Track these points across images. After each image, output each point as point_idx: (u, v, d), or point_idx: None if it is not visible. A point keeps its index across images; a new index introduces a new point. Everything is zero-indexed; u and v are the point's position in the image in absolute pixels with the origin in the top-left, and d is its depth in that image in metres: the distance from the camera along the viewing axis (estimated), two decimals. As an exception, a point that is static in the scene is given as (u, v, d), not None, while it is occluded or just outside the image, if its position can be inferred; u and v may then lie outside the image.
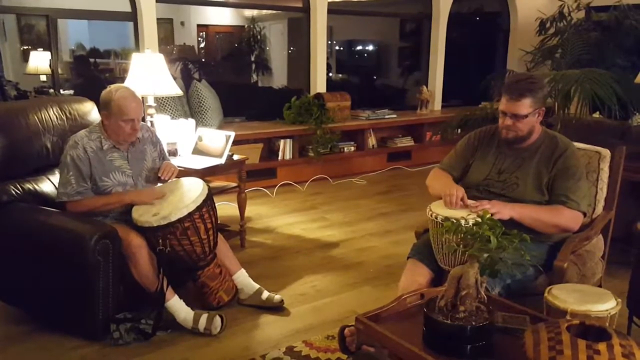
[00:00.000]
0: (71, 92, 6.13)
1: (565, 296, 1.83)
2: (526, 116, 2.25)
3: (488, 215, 1.65)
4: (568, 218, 2.22)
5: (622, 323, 2.33)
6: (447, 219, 2.01)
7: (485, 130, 2.52)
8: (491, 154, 2.42)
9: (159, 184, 2.85)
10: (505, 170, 2.35)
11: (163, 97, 4.54)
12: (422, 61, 7.36)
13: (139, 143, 2.79)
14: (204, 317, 2.60)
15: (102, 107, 2.66)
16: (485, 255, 1.57)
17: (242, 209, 3.72)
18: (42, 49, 6.32)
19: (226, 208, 4.41)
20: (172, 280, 2.61)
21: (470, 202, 2.21)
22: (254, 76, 10.15)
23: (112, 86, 2.68)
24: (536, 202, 2.25)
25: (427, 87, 6.97)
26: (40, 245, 2.54)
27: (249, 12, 10.05)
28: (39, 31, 7.30)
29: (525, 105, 2.23)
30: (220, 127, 4.98)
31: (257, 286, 2.91)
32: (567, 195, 2.21)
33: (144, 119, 3.22)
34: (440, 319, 1.58)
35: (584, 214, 2.27)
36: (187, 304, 2.65)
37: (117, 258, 2.48)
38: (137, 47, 5.01)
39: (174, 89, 3.56)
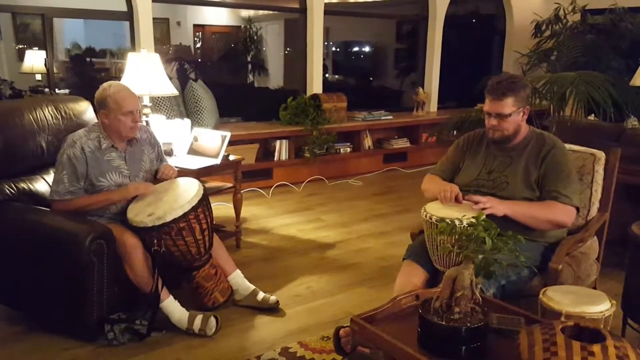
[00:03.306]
0: (67, 91, 6.12)
1: (560, 298, 1.83)
2: (509, 115, 2.29)
3: (483, 217, 1.65)
4: (561, 213, 2.24)
5: (617, 325, 2.34)
6: (441, 220, 2.01)
7: (474, 134, 2.57)
8: (480, 155, 2.46)
9: (155, 185, 2.84)
10: (494, 169, 2.38)
11: (159, 97, 4.52)
12: (418, 63, 7.37)
13: (137, 143, 2.78)
14: (198, 318, 2.59)
15: (98, 106, 2.64)
16: (480, 256, 1.57)
17: (237, 209, 3.71)
18: (37, 48, 6.31)
19: (222, 208, 4.40)
20: (167, 280, 2.60)
21: (466, 201, 2.22)
22: (250, 77, 10.15)
23: (105, 84, 2.67)
24: (527, 199, 2.28)
25: (423, 88, 6.99)
26: (35, 245, 2.53)
27: (246, 13, 10.05)
28: (34, 30, 7.28)
29: (507, 105, 2.27)
30: (216, 128, 4.97)
31: (252, 287, 2.90)
32: (558, 190, 2.24)
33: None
34: (435, 320, 1.57)
35: (577, 209, 2.29)
36: (182, 305, 2.64)
37: (112, 258, 2.47)
38: (133, 46, 5.00)
39: (170, 89, 3.56)
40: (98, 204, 2.63)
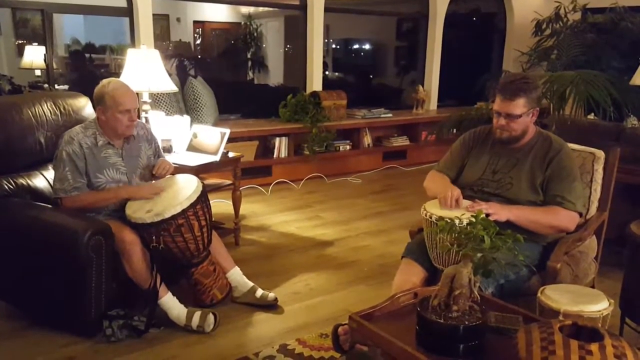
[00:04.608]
0: (66, 87, 6.11)
1: (558, 297, 1.83)
2: (520, 116, 2.26)
3: (482, 215, 1.65)
4: (565, 219, 2.23)
5: (615, 324, 2.35)
6: (441, 218, 2.01)
7: (480, 130, 2.53)
8: (485, 154, 2.44)
9: (153, 181, 2.84)
10: (499, 170, 2.36)
11: (158, 94, 4.51)
12: (419, 61, 7.36)
13: (134, 140, 2.77)
14: (197, 315, 2.59)
15: (96, 102, 2.65)
16: (479, 255, 1.57)
17: (236, 206, 3.71)
18: (37, 44, 6.29)
19: (221, 205, 4.40)
20: (165, 277, 2.60)
21: (466, 202, 2.21)
22: (250, 73, 10.13)
23: (104, 80, 2.67)
24: (531, 201, 2.26)
25: (423, 86, 6.98)
26: (33, 241, 2.53)
27: (246, 9, 10.03)
28: (34, 25, 7.27)
29: (519, 105, 2.25)
30: (215, 124, 4.95)
31: (251, 284, 2.90)
32: (563, 196, 2.23)
33: (138, 116, 3.21)
34: (434, 318, 1.58)
35: (580, 214, 2.28)
36: (181, 301, 2.64)
37: (110, 254, 2.47)
38: (133, 42, 4.99)
39: (170, 86, 3.55)
40: (107, 200, 2.63)
